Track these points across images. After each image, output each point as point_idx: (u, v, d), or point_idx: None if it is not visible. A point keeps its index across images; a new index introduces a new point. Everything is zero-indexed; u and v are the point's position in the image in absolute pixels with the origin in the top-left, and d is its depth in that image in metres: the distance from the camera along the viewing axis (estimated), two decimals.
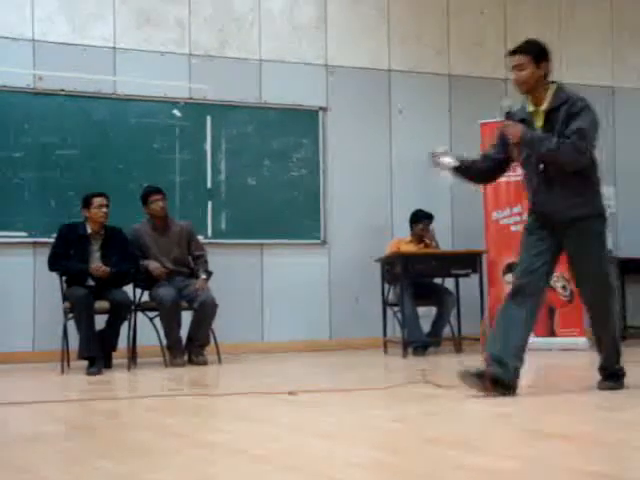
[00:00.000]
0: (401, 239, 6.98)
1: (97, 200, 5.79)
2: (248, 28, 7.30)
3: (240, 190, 7.13)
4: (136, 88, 6.83)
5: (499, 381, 3.78)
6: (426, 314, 6.78)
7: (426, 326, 6.72)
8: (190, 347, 5.97)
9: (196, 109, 7.04)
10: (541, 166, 3.96)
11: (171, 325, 5.87)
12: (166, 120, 6.94)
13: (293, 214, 7.28)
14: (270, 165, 7.28)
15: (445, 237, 7.39)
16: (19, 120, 6.45)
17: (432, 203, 7.32)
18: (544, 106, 3.99)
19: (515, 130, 3.94)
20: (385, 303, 6.77)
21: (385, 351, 6.70)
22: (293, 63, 7.40)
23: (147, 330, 5.96)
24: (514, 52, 3.99)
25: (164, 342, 5.93)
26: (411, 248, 6.82)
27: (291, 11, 7.48)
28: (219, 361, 5.98)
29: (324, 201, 7.44)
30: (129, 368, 5.70)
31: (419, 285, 6.70)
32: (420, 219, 6.87)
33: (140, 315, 5.98)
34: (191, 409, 3.64)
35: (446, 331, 6.79)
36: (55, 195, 6.55)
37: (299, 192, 7.34)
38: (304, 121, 7.42)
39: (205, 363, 5.90)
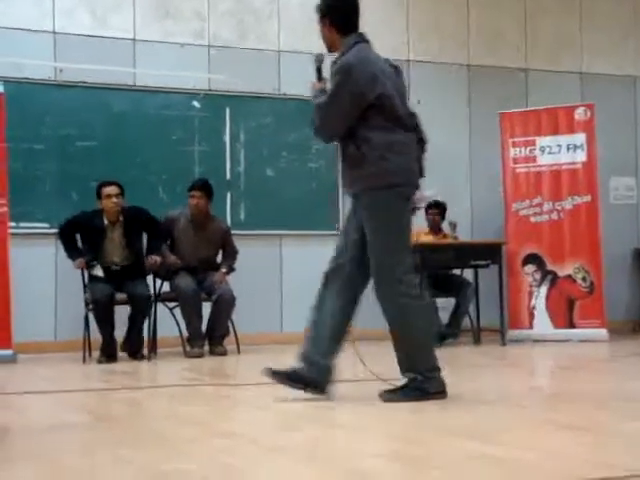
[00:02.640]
0: (419, 230, 6.97)
1: (106, 190, 5.68)
2: (267, 19, 7.31)
3: (259, 181, 7.15)
4: (156, 80, 6.86)
5: (307, 381, 3.52)
6: (444, 305, 6.77)
7: (445, 317, 6.72)
8: (209, 338, 6.01)
9: (215, 101, 7.06)
10: None
11: (191, 316, 5.91)
12: (185, 112, 6.97)
13: (311, 205, 7.29)
14: (288, 156, 7.29)
15: (465, 228, 7.38)
16: (40, 112, 6.49)
17: (451, 194, 7.30)
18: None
19: (312, 86, 3.78)
20: None
21: None
22: (311, 54, 7.36)
23: (167, 321, 6.01)
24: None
25: (184, 333, 5.98)
26: (429, 239, 6.81)
27: (310, 2, 7.46)
28: (238, 352, 6.02)
29: (342, 191, 7.44)
30: (149, 358, 5.75)
31: (437, 276, 6.69)
32: (428, 208, 6.86)
33: (160, 305, 6.03)
34: (210, 399, 3.67)
35: (465, 322, 6.79)
36: (76, 186, 6.60)
37: (317, 183, 7.35)
38: None
39: (224, 354, 5.95)
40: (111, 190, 5.68)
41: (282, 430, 2.94)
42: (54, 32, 6.64)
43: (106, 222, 5.77)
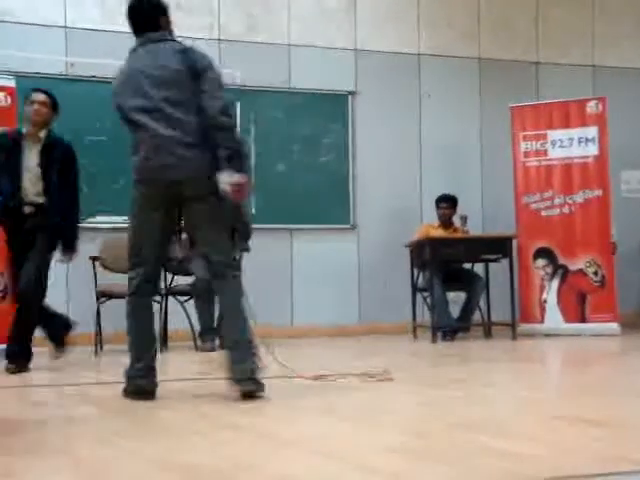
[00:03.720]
0: (430, 224, 6.96)
1: (33, 95, 4.74)
2: (277, 13, 7.30)
3: (269, 175, 7.15)
4: None
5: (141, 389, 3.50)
6: (455, 299, 6.76)
7: (455, 311, 6.71)
8: (220, 331, 6.01)
9: (226, 95, 7.04)
10: None
11: (203, 310, 5.93)
12: None
13: (322, 199, 7.29)
14: (299, 150, 7.30)
15: (475, 222, 7.36)
16: None
17: (462, 187, 7.30)
18: None
19: None
20: (414, 288, 6.77)
21: (414, 336, 6.71)
22: (322, 47, 7.39)
23: (178, 314, 6.03)
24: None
25: (195, 326, 6.00)
26: (440, 233, 6.80)
27: None
28: None
29: (353, 186, 7.45)
30: (160, 351, 5.76)
31: (448, 270, 6.68)
32: (439, 202, 6.85)
33: (171, 299, 6.05)
34: (220, 393, 3.68)
35: (475, 316, 6.78)
36: (86, 180, 6.58)
37: (328, 177, 7.35)
38: (333, 105, 7.42)
39: None
40: (37, 96, 4.73)
41: (291, 424, 2.95)
42: (65, 27, 6.66)
43: (24, 131, 4.76)
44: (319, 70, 7.36)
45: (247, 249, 4.30)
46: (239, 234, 4.13)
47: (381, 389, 3.77)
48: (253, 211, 7.05)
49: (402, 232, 7.07)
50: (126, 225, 6.59)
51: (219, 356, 5.58)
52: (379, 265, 7.40)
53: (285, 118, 7.26)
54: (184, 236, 6.17)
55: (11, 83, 5.84)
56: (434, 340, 6.32)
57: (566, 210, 6.96)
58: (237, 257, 4.98)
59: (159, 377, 3.57)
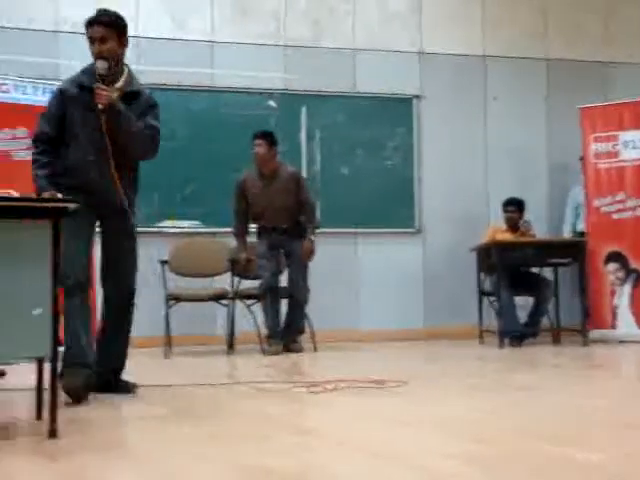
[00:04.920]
0: (496, 227, 6.88)
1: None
2: (342, 18, 7.33)
3: (334, 179, 7.19)
4: (233, 80, 6.98)
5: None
6: (523, 304, 6.67)
7: (523, 316, 6.62)
8: (286, 335, 6.07)
9: (291, 100, 7.13)
10: (109, 146, 3.62)
11: (268, 312, 5.99)
12: (262, 111, 7.06)
13: (387, 203, 7.29)
14: (364, 154, 7.31)
15: (542, 225, 7.25)
16: None
17: (528, 190, 7.20)
18: (118, 84, 3.71)
19: (109, 94, 3.61)
20: (481, 292, 6.70)
21: (481, 341, 6.63)
22: (387, 51, 7.39)
23: (245, 317, 6.11)
24: (95, 23, 3.66)
25: (261, 329, 6.06)
26: (507, 236, 6.72)
27: None
28: (314, 349, 6.06)
29: (418, 189, 7.42)
30: (227, 354, 5.86)
31: (516, 274, 6.59)
32: (506, 206, 6.76)
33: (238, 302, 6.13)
34: (286, 396, 3.72)
35: (544, 321, 6.67)
36: (157, 187, 6.76)
37: (393, 180, 7.35)
38: (398, 109, 7.41)
39: (301, 350, 6.00)
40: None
41: (355, 428, 2.96)
42: (137, 36, 6.83)
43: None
44: (384, 74, 7.35)
45: None
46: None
47: (447, 394, 3.75)
48: (318, 215, 7.10)
49: (468, 236, 7.01)
50: (195, 229, 6.78)
51: (285, 359, 5.65)
52: (444, 269, 7.35)
53: (350, 122, 7.28)
54: (249, 240, 6.30)
55: None
56: (501, 345, 6.24)
57: (639, 213, 6.79)
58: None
59: (227, 380, 3.63)
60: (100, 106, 3.59)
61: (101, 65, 3.64)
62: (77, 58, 6.50)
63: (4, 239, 2.75)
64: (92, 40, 3.65)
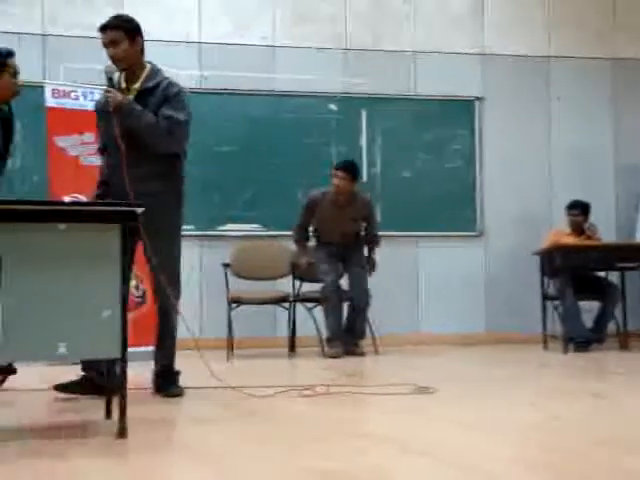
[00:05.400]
0: (560, 230, 6.76)
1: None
2: (402, 20, 7.31)
3: (395, 183, 7.16)
4: (293, 84, 7.01)
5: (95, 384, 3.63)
6: (589, 309, 6.52)
7: (588, 321, 6.48)
8: (348, 338, 6.07)
9: (351, 103, 7.13)
10: (122, 147, 3.65)
11: (330, 316, 6.00)
12: (322, 115, 7.08)
13: (448, 206, 7.22)
14: (425, 157, 7.27)
15: (609, 228, 7.10)
16: None
17: (593, 193, 7.05)
18: (137, 84, 3.80)
19: (115, 96, 3.69)
20: (544, 297, 6.59)
21: (545, 347, 6.52)
22: (448, 53, 7.33)
23: (306, 320, 6.13)
24: (105, 28, 3.75)
25: (322, 332, 6.07)
26: (571, 240, 6.59)
27: (446, 1, 7.42)
28: (376, 352, 6.04)
29: (480, 192, 7.34)
30: (288, 357, 5.89)
31: (581, 278, 6.46)
32: (570, 209, 6.63)
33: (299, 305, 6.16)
34: (346, 400, 3.71)
35: (610, 327, 6.52)
36: (218, 190, 6.85)
37: (455, 184, 7.28)
38: (459, 111, 7.34)
39: (362, 354, 5.99)
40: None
41: (417, 432, 2.93)
42: (199, 42, 6.93)
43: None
44: (445, 76, 7.30)
45: None
46: None
47: (512, 400, 3.69)
48: (379, 219, 7.09)
49: (530, 239, 6.90)
50: (256, 233, 6.83)
51: (345, 362, 5.65)
52: (506, 272, 7.25)
53: (410, 125, 7.25)
54: (309, 244, 6.33)
55: None
56: (565, 351, 6.12)
57: None
58: None
59: (287, 382, 3.64)
60: (110, 109, 3.68)
61: (108, 69, 3.74)
62: None
63: (75, 243, 2.82)
64: (105, 45, 3.75)
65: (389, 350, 6.27)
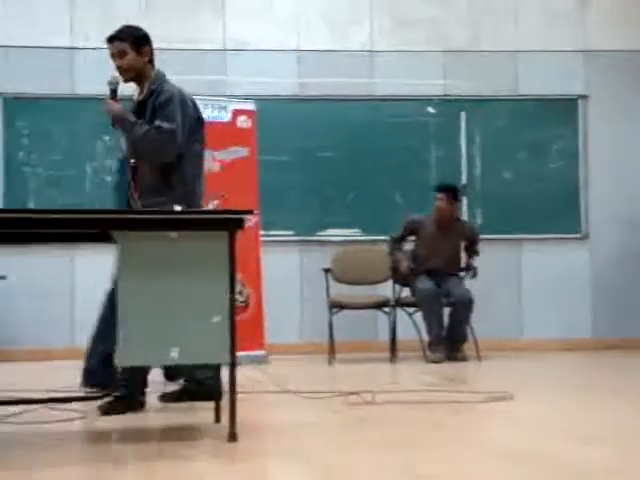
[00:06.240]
0: None
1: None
2: (503, 19, 7.18)
3: (496, 184, 7.05)
4: (391, 88, 7.00)
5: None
6: None
7: None
8: (449, 343, 6.01)
9: (450, 105, 7.07)
10: (132, 160, 3.68)
11: (430, 320, 5.96)
12: (420, 118, 7.05)
13: (552, 208, 7.05)
14: (527, 158, 7.12)
15: None
16: (285, 126, 6.84)
17: None
18: (141, 96, 3.71)
19: (111, 108, 3.65)
20: None
21: None
22: (550, 51, 7.16)
23: (407, 324, 6.10)
24: (111, 39, 3.69)
25: (423, 337, 6.03)
26: None
27: (549, 0, 7.25)
28: (478, 358, 5.96)
29: (585, 193, 7.13)
30: (391, 361, 5.88)
31: None
32: None
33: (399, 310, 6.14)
34: (451, 406, 3.68)
35: None
36: (318, 195, 6.91)
37: (558, 185, 7.10)
38: (562, 110, 7.16)
39: (464, 359, 5.92)
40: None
41: (521, 439, 2.88)
42: (297, 50, 7.01)
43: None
44: (547, 75, 7.13)
45: None
46: None
47: (629, 410, 3.57)
48: (479, 221, 6.99)
49: (638, 241, 6.65)
50: (356, 237, 6.86)
51: (447, 367, 5.59)
52: (614, 276, 7.01)
53: (511, 126, 7.11)
54: (407, 247, 6.30)
55: (251, 106, 6.24)
56: None
57: None
58: None
59: (391, 387, 3.64)
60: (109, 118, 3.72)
61: (112, 80, 3.71)
62: (242, 74, 6.79)
63: (186, 250, 2.90)
64: (112, 56, 3.75)
65: (491, 355, 6.17)
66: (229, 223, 2.95)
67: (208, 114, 6.19)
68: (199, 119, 3.81)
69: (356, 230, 6.92)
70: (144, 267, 2.86)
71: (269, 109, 6.58)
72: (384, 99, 7.01)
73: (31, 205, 6.48)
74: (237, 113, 6.16)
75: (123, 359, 2.87)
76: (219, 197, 5.54)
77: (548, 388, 4.07)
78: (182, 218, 3.00)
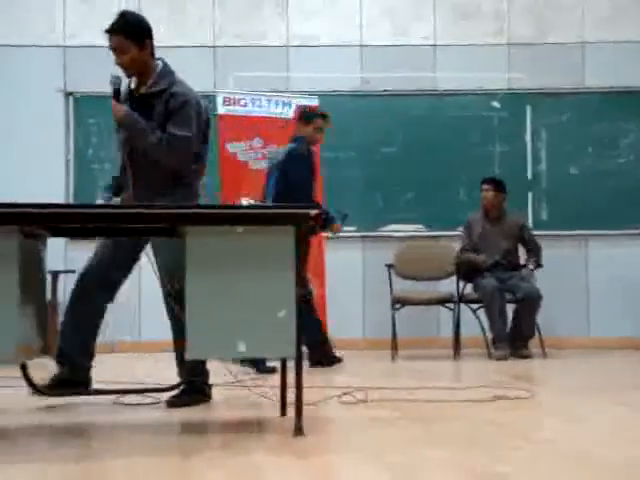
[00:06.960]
0: None
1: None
2: (569, 11, 7.04)
3: (562, 180, 6.92)
4: (455, 83, 6.93)
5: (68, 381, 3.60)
6: None
7: None
8: (514, 339, 5.93)
9: (515, 99, 6.96)
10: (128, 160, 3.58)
11: (494, 317, 5.89)
12: (484, 112, 6.96)
13: (619, 203, 6.89)
14: (594, 153, 6.97)
15: None
16: (347, 122, 6.82)
17: None
18: (144, 89, 3.53)
19: (117, 111, 3.53)
20: None
21: None
22: (618, 42, 6.99)
23: (471, 321, 6.05)
24: (109, 32, 3.49)
25: (487, 333, 5.97)
26: None
27: None
28: (544, 355, 5.87)
29: None
30: (454, 358, 5.83)
31: None
32: None
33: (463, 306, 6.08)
34: (515, 403, 3.63)
35: None
36: (380, 191, 6.89)
37: (626, 180, 6.93)
38: (631, 104, 6.98)
39: (529, 356, 5.84)
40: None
41: (591, 440, 2.82)
42: (361, 45, 7.00)
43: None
44: (615, 67, 6.96)
45: None
46: None
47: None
48: (545, 217, 6.87)
49: None
50: (419, 233, 6.83)
51: (513, 364, 5.51)
52: None
53: (578, 120, 6.97)
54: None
55: (315, 102, 6.26)
56: None
57: None
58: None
59: (453, 384, 3.61)
60: (115, 120, 3.59)
61: (113, 81, 3.55)
62: (305, 70, 6.81)
63: (253, 245, 2.93)
64: (112, 50, 3.55)
65: (557, 353, 6.06)
66: (295, 218, 2.96)
67: (272, 110, 6.26)
68: (207, 120, 3.71)
69: (419, 226, 6.88)
70: (212, 262, 2.89)
71: (332, 105, 6.57)
72: (447, 94, 6.95)
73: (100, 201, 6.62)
74: None
75: (193, 352, 2.91)
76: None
77: (615, 388, 3.98)
78: (249, 213, 3.03)
